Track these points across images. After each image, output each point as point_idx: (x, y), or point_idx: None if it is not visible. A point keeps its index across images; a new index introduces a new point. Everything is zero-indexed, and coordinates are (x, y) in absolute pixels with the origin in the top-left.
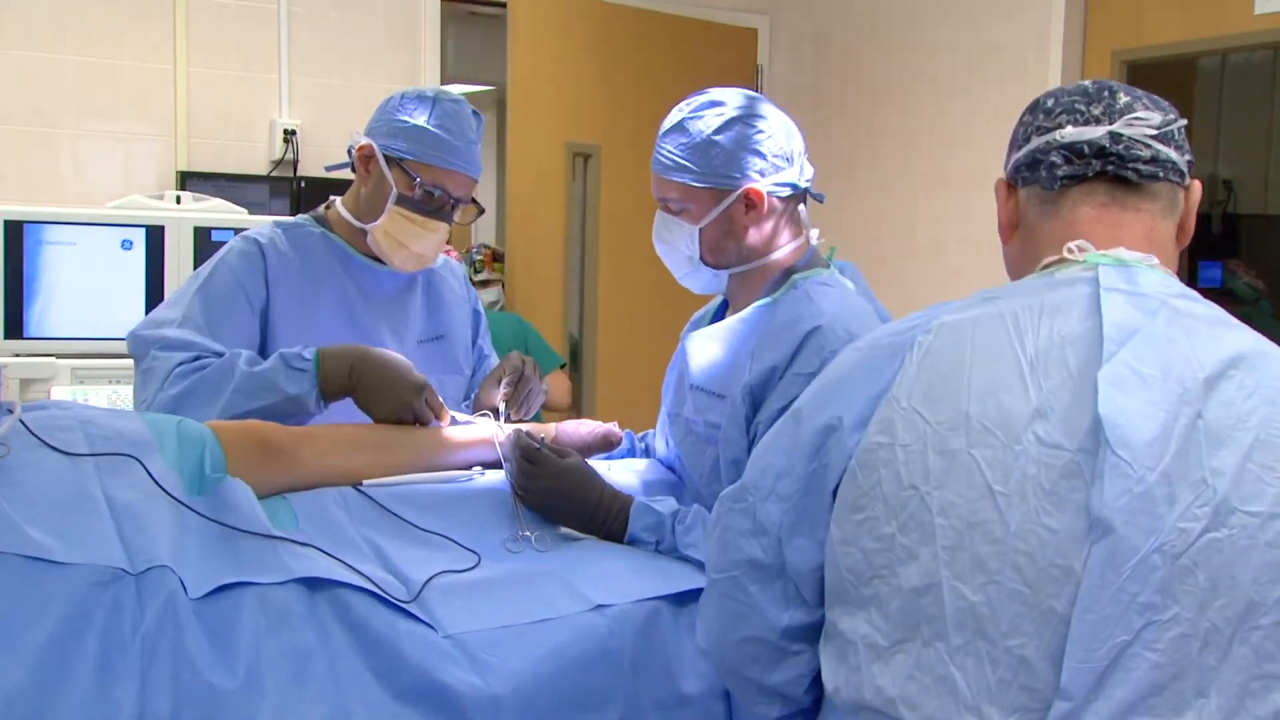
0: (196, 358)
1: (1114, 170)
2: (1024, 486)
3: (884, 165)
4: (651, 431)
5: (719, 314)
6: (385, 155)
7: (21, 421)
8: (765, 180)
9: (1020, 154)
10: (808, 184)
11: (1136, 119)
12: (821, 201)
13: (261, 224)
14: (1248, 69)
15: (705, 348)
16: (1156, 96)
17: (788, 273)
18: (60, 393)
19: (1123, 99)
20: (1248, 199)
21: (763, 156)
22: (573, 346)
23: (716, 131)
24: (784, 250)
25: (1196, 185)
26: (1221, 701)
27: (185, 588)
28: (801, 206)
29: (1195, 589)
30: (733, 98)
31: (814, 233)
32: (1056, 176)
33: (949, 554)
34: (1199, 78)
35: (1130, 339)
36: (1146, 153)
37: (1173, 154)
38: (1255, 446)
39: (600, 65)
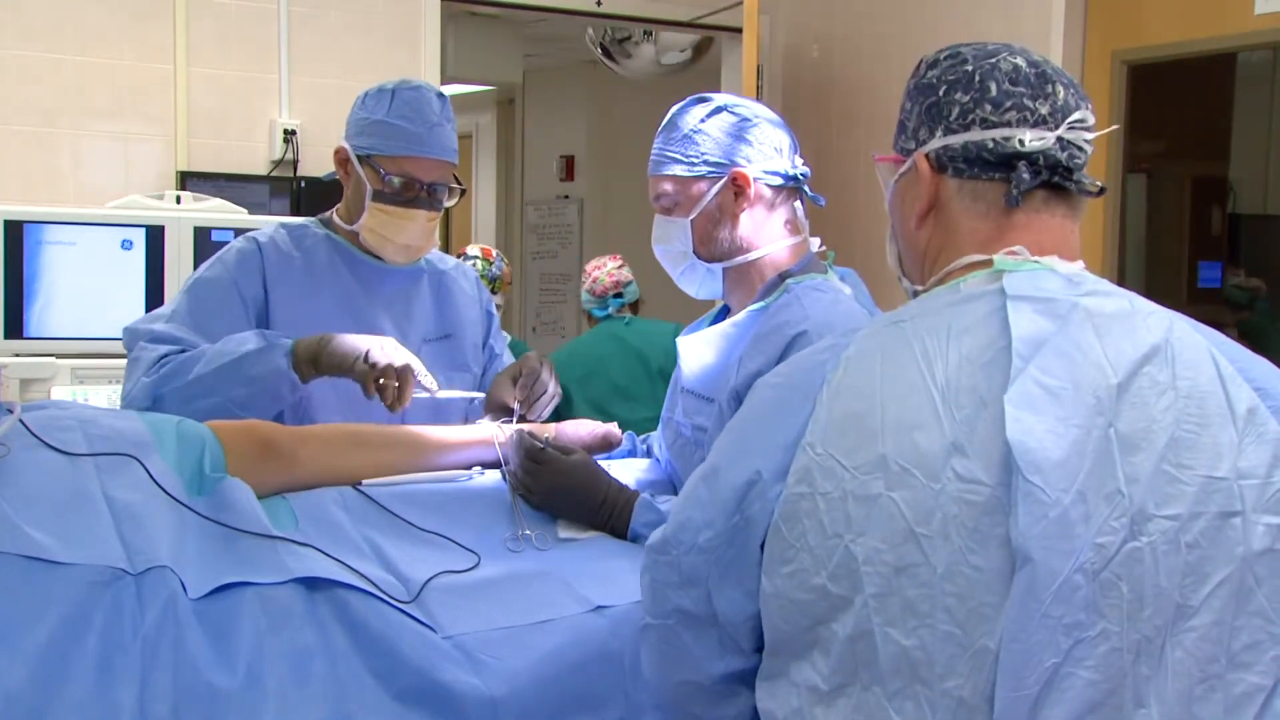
0: (181, 351)
1: (1059, 181)
2: (946, 527)
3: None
4: (653, 434)
5: (718, 319)
6: (356, 155)
7: (21, 421)
8: (753, 166)
9: (955, 141)
10: (799, 175)
11: (1077, 123)
12: (821, 205)
13: (263, 224)
14: (1248, 69)
15: (697, 351)
16: (1076, 82)
17: (782, 277)
18: (60, 393)
19: (1061, 94)
20: (1248, 199)
21: (748, 143)
22: None
23: (702, 121)
24: (778, 249)
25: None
26: (1163, 710)
27: (185, 588)
28: (799, 206)
29: (1120, 602)
30: (719, 96)
31: (815, 241)
32: (1022, 192)
33: (878, 601)
34: (1200, 78)
35: (1038, 351)
36: (1082, 159)
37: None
38: (1170, 446)
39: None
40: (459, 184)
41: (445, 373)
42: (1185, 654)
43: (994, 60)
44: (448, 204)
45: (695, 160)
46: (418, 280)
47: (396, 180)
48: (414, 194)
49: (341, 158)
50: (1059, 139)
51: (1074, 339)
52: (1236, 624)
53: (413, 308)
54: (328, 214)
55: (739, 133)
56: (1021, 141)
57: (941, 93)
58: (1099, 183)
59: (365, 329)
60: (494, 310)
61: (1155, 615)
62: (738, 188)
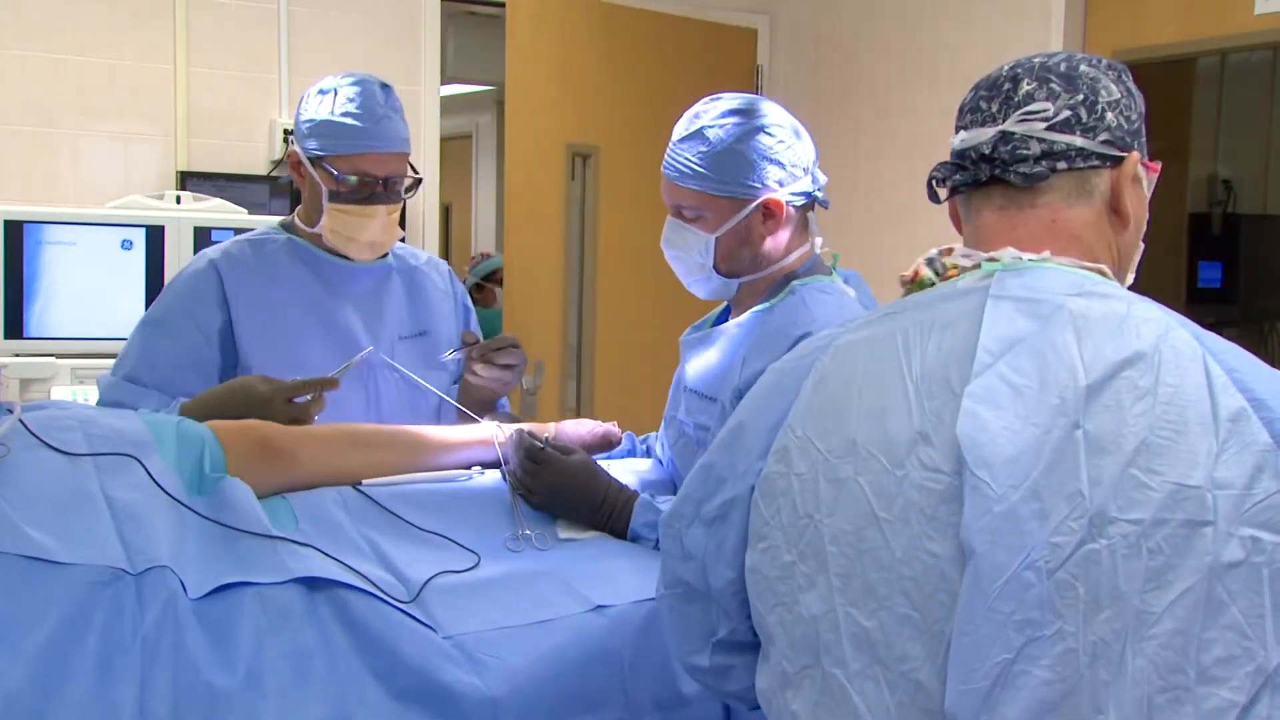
0: None
1: (999, 174)
2: (907, 512)
3: (884, 165)
4: (653, 434)
5: (721, 318)
6: (308, 157)
7: (21, 421)
8: (784, 190)
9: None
10: (821, 192)
11: (1029, 114)
12: (827, 207)
13: (263, 224)
14: (1248, 69)
15: (701, 351)
16: (1085, 69)
17: (788, 279)
18: (60, 393)
19: (1024, 88)
20: (1248, 199)
21: (782, 166)
22: (574, 348)
23: (737, 140)
24: (792, 257)
25: (1129, 160)
26: (1121, 716)
27: (185, 588)
28: (810, 213)
29: (1077, 602)
30: (750, 105)
31: (818, 241)
32: (945, 186)
33: (842, 581)
34: (1199, 78)
35: (1010, 350)
36: (1036, 149)
37: (1077, 140)
38: (1140, 450)
39: (600, 65)
40: (415, 173)
41: (421, 371)
42: (1146, 662)
43: (989, 73)
44: (406, 196)
45: (727, 180)
46: (387, 278)
47: (352, 178)
48: (371, 190)
49: (294, 161)
50: (1003, 133)
51: (1050, 339)
52: (1206, 636)
53: (383, 306)
54: (289, 218)
55: (773, 155)
56: (953, 140)
57: None
58: (1083, 151)
59: (335, 332)
60: (470, 305)
61: (1113, 619)
62: (768, 212)
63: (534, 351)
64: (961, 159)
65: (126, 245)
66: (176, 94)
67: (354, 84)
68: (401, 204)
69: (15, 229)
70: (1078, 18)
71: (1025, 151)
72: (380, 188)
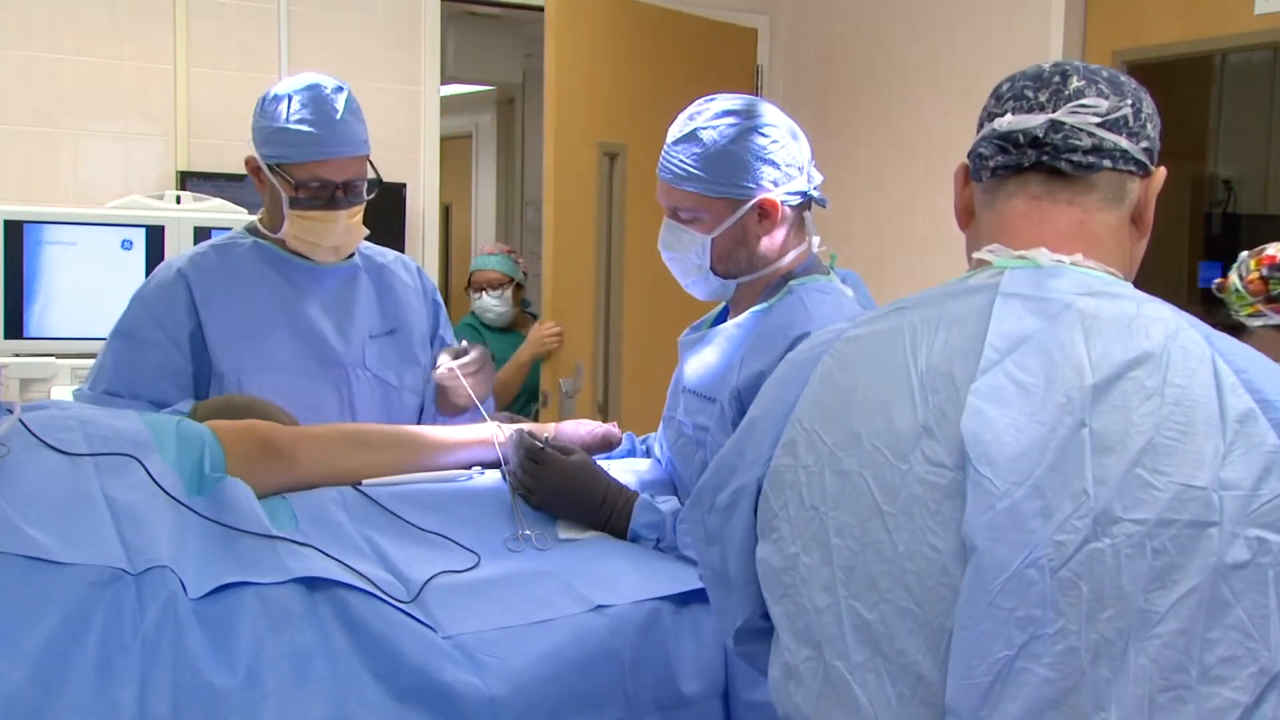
0: None
1: (1048, 160)
2: (910, 506)
3: (884, 165)
4: (653, 435)
5: (720, 319)
6: (266, 164)
7: (21, 421)
8: (779, 190)
9: (975, 142)
10: (816, 191)
11: (1082, 106)
12: (824, 206)
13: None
14: (1248, 69)
15: (699, 351)
16: (1125, 80)
17: (786, 279)
18: (60, 393)
19: (1074, 84)
20: (1248, 199)
21: (776, 166)
22: (604, 348)
23: (731, 141)
24: (789, 257)
25: (1159, 173)
26: (1123, 714)
27: (185, 588)
28: (807, 213)
29: (1079, 601)
30: (744, 106)
31: (815, 240)
32: (987, 167)
33: (845, 573)
34: (1198, 78)
35: (1017, 348)
36: (1087, 142)
37: (1123, 142)
38: (1146, 451)
39: (627, 64)
40: (375, 172)
41: (395, 368)
42: (1149, 661)
43: (1025, 69)
44: (368, 197)
45: (721, 181)
46: (354, 277)
47: (313, 183)
48: (331, 195)
49: (253, 167)
50: (1054, 122)
51: (1058, 338)
52: (1210, 636)
53: (352, 305)
54: (254, 220)
55: (768, 156)
56: (1000, 124)
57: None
58: (1126, 153)
59: (304, 333)
60: (440, 300)
61: (1116, 618)
62: (763, 212)
63: (572, 354)
64: (1005, 142)
65: (126, 245)
66: (176, 94)
67: (307, 88)
68: (363, 205)
69: (15, 229)
70: (1078, 17)
71: (1077, 142)
72: (340, 192)
